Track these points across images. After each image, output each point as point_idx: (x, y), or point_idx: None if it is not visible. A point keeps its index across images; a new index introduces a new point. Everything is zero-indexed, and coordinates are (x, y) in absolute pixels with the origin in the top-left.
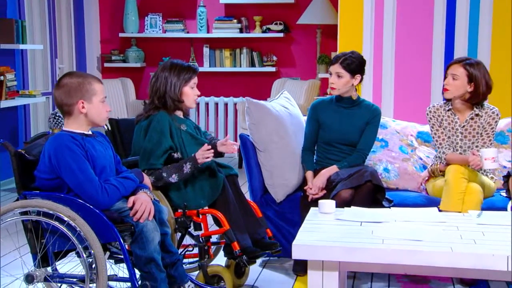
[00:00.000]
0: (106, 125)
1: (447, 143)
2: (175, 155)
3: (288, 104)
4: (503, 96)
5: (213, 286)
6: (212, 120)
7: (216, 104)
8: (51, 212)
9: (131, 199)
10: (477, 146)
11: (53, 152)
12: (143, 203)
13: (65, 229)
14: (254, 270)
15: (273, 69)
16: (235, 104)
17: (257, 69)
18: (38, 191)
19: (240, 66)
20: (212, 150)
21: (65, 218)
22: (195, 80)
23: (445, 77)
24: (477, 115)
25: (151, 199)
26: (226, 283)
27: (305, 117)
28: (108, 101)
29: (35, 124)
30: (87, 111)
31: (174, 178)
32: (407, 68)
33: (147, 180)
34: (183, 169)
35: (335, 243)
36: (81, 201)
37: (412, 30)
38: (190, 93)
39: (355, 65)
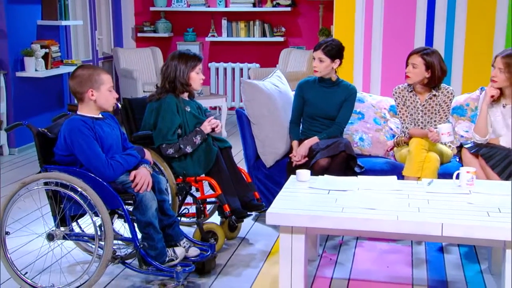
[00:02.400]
0: (121, 104)
1: (410, 120)
2: (179, 131)
3: (279, 82)
4: (474, 75)
5: (204, 242)
6: (229, 82)
7: (233, 69)
8: (67, 183)
9: (133, 173)
10: (435, 121)
11: (67, 133)
12: (142, 177)
13: (78, 198)
14: (248, 223)
15: (281, 39)
16: (248, 69)
17: (268, 39)
18: (56, 165)
19: (254, 36)
20: (217, 121)
21: (78, 189)
22: (200, 66)
23: (406, 66)
24: (434, 95)
25: (150, 172)
26: (219, 238)
27: (294, 93)
28: (140, 67)
29: None
30: (96, 98)
31: (188, 149)
32: (393, 42)
33: (148, 155)
34: (194, 141)
35: (302, 212)
36: (91, 174)
37: (398, 7)
38: (196, 77)
39: (334, 51)
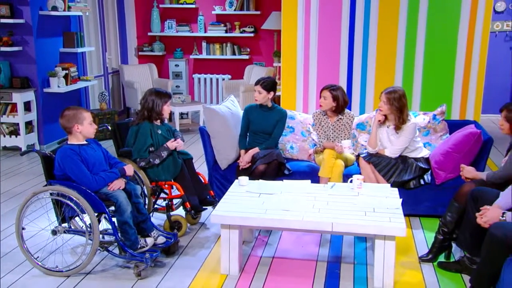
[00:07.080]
0: (111, 126)
1: (324, 135)
2: (151, 149)
3: (232, 106)
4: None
5: (169, 232)
6: (208, 90)
7: (211, 79)
8: (65, 193)
9: (109, 183)
10: (341, 137)
11: (60, 159)
12: (116, 182)
13: (73, 204)
14: (209, 211)
15: (247, 57)
16: (222, 79)
17: (237, 57)
18: (57, 180)
19: (226, 55)
20: (178, 140)
21: (74, 198)
22: (170, 101)
23: (320, 97)
24: (340, 118)
25: (125, 182)
26: (182, 226)
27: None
28: (139, 80)
29: (93, 99)
30: (81, 130)
31: (156, 161)
32: (324, 74)
33: (130, 168)
34: (162, 155)
35: (236, 214)
36: (82, 187)
37: (326, 41)
38: (167, 109)
39: (269, 86)
